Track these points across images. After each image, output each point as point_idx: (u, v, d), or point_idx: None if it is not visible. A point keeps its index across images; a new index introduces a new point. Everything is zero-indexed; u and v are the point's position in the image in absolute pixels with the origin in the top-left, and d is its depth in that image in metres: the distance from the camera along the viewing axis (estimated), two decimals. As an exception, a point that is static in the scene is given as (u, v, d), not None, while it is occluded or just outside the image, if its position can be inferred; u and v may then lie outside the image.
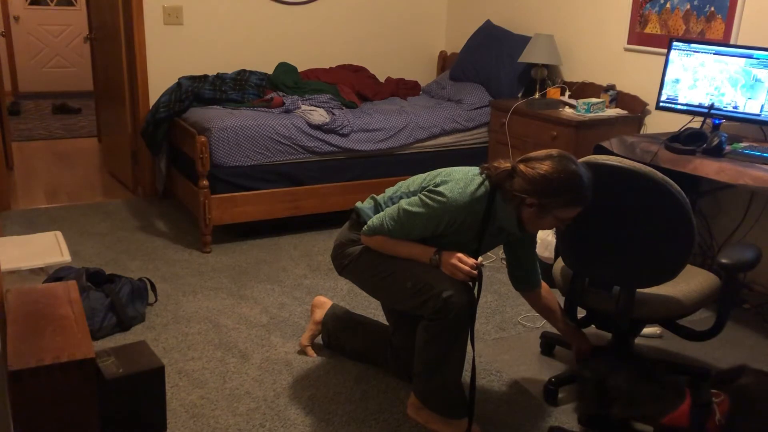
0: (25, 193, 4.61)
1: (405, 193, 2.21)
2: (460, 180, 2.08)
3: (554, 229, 2.28)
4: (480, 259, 2.14)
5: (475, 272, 2.06)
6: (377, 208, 2.28)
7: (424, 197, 2.09)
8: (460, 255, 2.08)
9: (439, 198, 2.06)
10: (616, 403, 2.14)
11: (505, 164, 2.06)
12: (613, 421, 2.18)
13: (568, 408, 2.38)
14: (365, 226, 2.21)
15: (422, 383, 2.20)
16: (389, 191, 2.29)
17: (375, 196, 2.33)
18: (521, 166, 2.02)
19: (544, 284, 2.41)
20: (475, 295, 2.10)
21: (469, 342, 2.14)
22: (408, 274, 2.13)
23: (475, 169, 2.15)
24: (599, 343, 2.80)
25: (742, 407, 1.97)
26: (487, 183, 2.08)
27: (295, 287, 3.26)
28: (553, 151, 2.02)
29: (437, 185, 2.09)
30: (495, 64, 4.39)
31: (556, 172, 1.97)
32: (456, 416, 2.20)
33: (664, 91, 3.26)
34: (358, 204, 2.33)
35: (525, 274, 2.36)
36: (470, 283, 2.10)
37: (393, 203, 2.23)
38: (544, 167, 1.97)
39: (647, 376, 2.13)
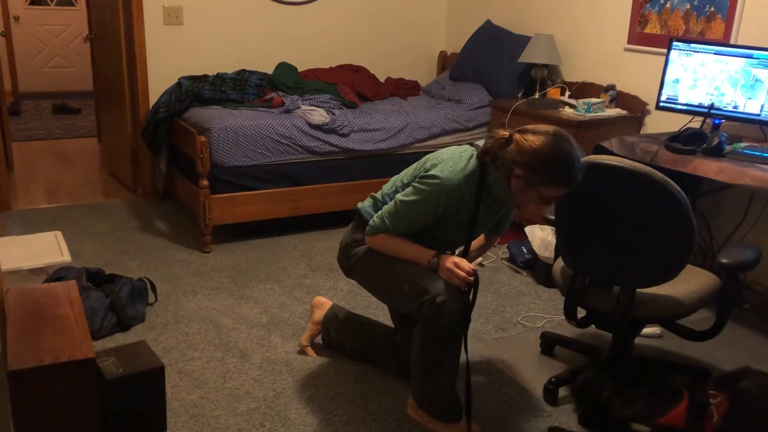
0: (25, 193, 4.61)
1: (400, 186, 2.22)
2: (449, 159, 2.09)
3: (554, 229, 2.28)
4: (480, 259, 2.14)
5: (471, 278, 2.05)
6: (377, 204, 2.29)
7: (417, 184, 2.10)
8: (456, 260, 2.07)
9: (433, 181, 2.06)
10: (614, 403, 2.14)
11: (504, 132, 2.05)
12: (613, 421, 2.18)
13: (568, 408, 2.38)
14: (367, 227, 2.21)
15: (418, 386, 2.20)
16: (386, 187, 2.30)
17: (374, 194, 2.33)
18: (517, 135, 2.00)
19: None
20: (471, 301, 2.09)
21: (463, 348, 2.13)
22: (406, 277, 2.13)
23: (462, 147, 2.16)
24: (599, 343, 2.81)
25: (739, 408, 1.97)
26: (475, 156, 2.09)
27: (295, 287, 3.26)
28: (552, 128, 2.00)
29: (428, 170, 2.10)
30: (495, 64, 4.39)
31: (548, 149, 1.94)
32: (450, 420, 2.20)
33: (664, 91, 3.26)
34: (360, 204, 2.34)
35: (492, 228, 2.39)
36: (465, 289, 2.09)
37: (391, 199, 2.23)
38: (537, 141, 1.95)
39: (645, 375, 2.13)
